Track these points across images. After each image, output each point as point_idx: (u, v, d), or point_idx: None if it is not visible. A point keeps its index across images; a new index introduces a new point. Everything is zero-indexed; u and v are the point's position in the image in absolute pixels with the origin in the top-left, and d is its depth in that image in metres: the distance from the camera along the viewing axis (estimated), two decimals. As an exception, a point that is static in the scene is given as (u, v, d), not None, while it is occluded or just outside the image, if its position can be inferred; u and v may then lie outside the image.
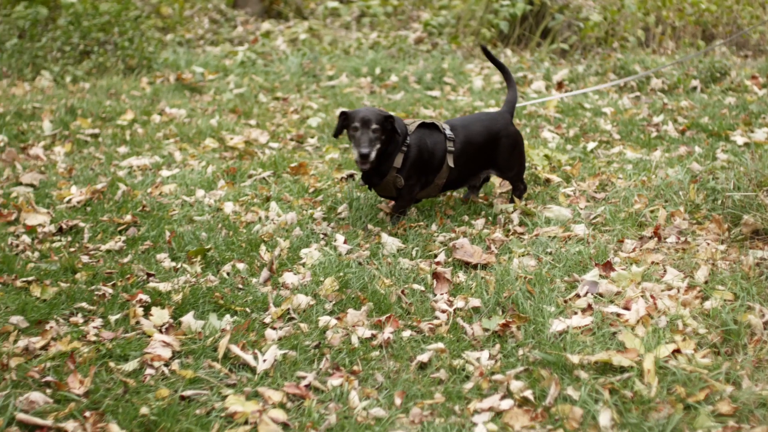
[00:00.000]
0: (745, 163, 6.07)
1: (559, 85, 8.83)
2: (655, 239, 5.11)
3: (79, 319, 4.08)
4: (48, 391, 3.47)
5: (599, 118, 7.85)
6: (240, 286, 4.51)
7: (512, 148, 5.59)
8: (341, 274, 4.58)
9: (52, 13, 9.65)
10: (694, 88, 8.91)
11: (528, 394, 3.50)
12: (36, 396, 3.39)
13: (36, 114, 7.39)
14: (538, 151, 6.55)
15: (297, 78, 8.82)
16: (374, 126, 5.17)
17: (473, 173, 5.57)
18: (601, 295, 4.39)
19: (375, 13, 10.66)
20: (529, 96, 8.49)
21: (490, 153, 5.52)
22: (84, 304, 4.22)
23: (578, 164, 6.37)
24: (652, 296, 4.30)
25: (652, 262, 4.78)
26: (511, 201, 5.72)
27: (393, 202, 5.52)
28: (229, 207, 5.57)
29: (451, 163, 5.32)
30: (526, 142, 6.99)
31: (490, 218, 5.50)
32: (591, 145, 7.01)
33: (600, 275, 4.58)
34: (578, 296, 4.37)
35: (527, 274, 4.57)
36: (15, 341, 3.84)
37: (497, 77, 9.00)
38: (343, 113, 5.28)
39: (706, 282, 4.48)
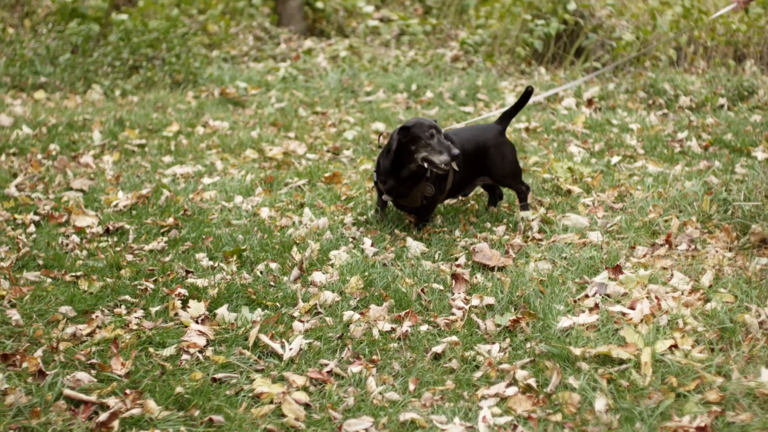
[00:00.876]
0: (757, 175, 6.35)
1: (589, 102, 9.11)
2: (666, 246, 5.39)
3: (122, 310, 4.45)
4: (92, 371, 3.83)
5: (626, 134, 8.10)
6: (272, 283, 4.85)
7: (502, 157, 5.92)
8: (366, 273, 4.90)
9: (104, 30, 10.08)
10: (722, 106, 9.14)
11: (531, 382, 3.80)
12: (82, 375, 3.75)
13: (87, 125, 7.79)
14: (562, 164, 6.84)
15: (336, 93, 9.16)
16: (442, 131, 5.48)
17: (469, 180, 5.88)
18: (608, 295, 4.68)
19: (414, 32, 10.99)
20: (560, 113, 8.78)
21: (482, 161, 5.83)
22: (127, 297, 4.59)
23: (599, 176, 6.66)
24: (656, 297, 4.59)
25: (662, 267, 5.07)
26: (524, 207, 6.03)
27: (412, 216, 5.82)
28: (265, 212, 5.92)
29: (455, 167, 5.64)
30: (551, 156, 7.29)
31: (511, 225, 5.81)
32: (615, 159, 7.28)
33: (609, 278, 4.88)
34: (587, 296, 4.67)
35: (541, 276, 4.88)
36: (63, 328, 4.21)
37: (529, 94, 9.30)
38: (404, 129, 5.46)
39: (710, 286, 4.75)
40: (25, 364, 3.82)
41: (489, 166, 5.87)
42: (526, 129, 8.17)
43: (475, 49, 10.49)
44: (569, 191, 6.45)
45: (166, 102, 8.64)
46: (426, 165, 5.43)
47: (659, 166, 7.09)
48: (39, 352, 3.93)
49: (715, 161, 7.14)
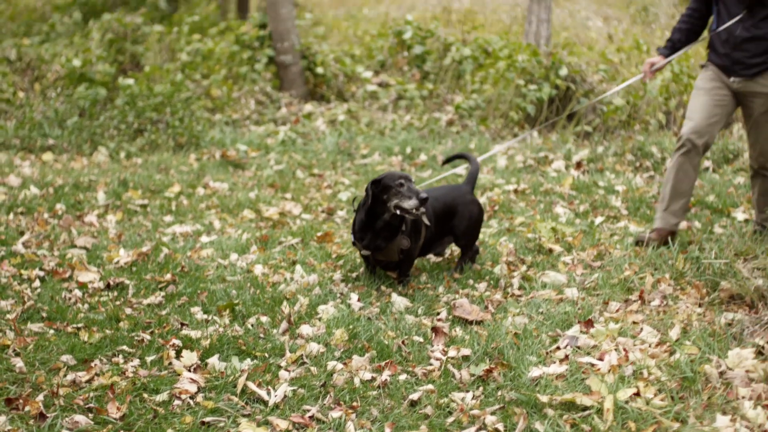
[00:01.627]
0: (731, 235, 6.66)
1: (578, 165, 9.42)
2: (639, 302, 5.68)
3: (119, 359, 4.74)
4: (90, 415, 4.11)
5: (611, 195, 8.40)
6: (261, 335, 5.14)
7: (469, 216, 6.26)
8: (351, 327, 5.19)
9: (111, 94, 10.46)
10: (707, 169, 9.44)
11: (500, 426, 4.06)
12: (80, 418, 4.03)
13: (92, 186, 8.12)
14: (546, 224, 7.14)
15: (333, 156, 9.49)
16: (413, 180, 5.81)
17: (440, 237, 6.20)
18: (579, 347, 4.96)
19: (411, 96, 11.35)
20: (549, 176, 9.09)
21: (450, 220, 6.16)
22: (125, 347, 4.88)
23: (580, 235, 6.96)
24: (624, 349, 4.87)
25: (633, 322, 5.35)
26: (459, 267, 6.37)
27: (394, 273, 6.12)
28: (258, 269, 6.22)
29: (427, 222, 5.95)
30: (537, 216, 7.60)
31: (492, 282, 6.10)
32: (598, 220, 7.57)
33: (581, 331, 5.17)
34: (558, 348, 4.95)
35: (516, 329, 5.17)
36: (64, 375, 4.50)
37: (520, 157, 9.61)
38: (375, 181, 5.79)
39: (677, 339, 5.03)
40: (27, 408, 4.10)
41: (455, 225, 6.19)
42: (515, 191, 8.46)
43: (470, 113, 10.84)
44: (551, 250, 6.74)
45: (169, 164, 8.98)
46: (398, 212, 5.70)
47: (641, 226, 7.38)
48: (40, 397, 4.22)
49: (695, 221, 7.43)
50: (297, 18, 12.55)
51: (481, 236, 7.09)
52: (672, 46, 6.85)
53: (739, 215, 7.55)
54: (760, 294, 5.60)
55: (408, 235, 5.89)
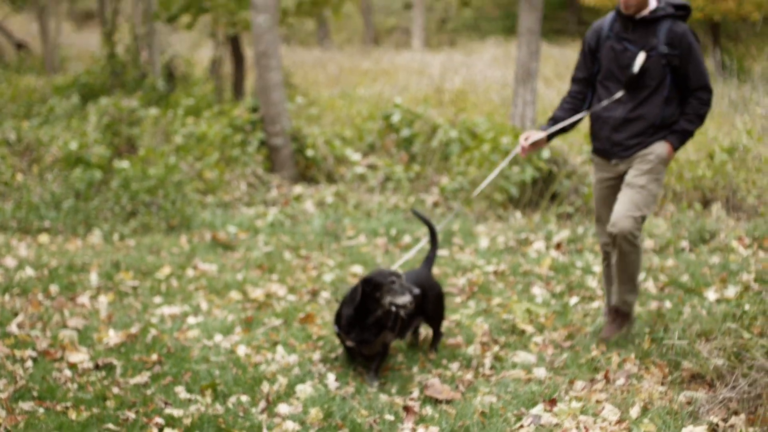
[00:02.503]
0: (697, 315, 6.94)
1: (558, 246, 9.71)
2: (604, 381, 5.96)
3: (105, 437, 5.01)
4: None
5: (588, 275, 8.68)
6: (241, 414, 5.41)
7: (436, 300, 6.57)
8: (326, 406, 5.46)
9: (106, 176, 10.80)
10: (683, 249, 9.73)
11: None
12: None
13: (85, 267, 8.41)
14: (521, 305, 7.43)
15: (320, 237, 9.79)
16: (403, 278, 6.08)
17: (410, 322, 6.48)
18: (542, 425, 5.23)
19: (399, 178, 11.68)
20: (530, 256, 9.37)
21: (421, 304, 6.45)
22: (111, 425, 5.15)
23: (552, 316, 7.24)
24: (585, 427, 5.13)
25: (596, 401, 5.62)
26: (434, 347, 6.71)
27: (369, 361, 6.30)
28: (241, 350, 6.50)
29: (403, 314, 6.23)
30: (514, 297, 7.89)
31: (465, 362, 6.37)
32: (573, 300, 7.86)
33: (545, 409, 5.44)
34: (522, 426, 5.21)
35: (483, 408, 5.43)
36: (52, 453, 4.76)
37: (502, 238, 9.90)
38: (367, 280, 6.05)
39: (637, 417, 5.30)
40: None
41: (425, 308, 6.48)
42: (495, 272, 8.74)
43: (455, 195, 11.16)
44: (523, 331, 7.02)
45: (161, 245, 9.28)
46: (394, 308, 5.95)
47: (614, 307, 7.66)
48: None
49: (666, 302, 7.71)
50: (288, 101, 12.92)
51: (458, 317, 7.37)
52: (554, 122, 6.79)
53: (711, 295, 7.82)
54: (720, 373, 5.87)
55: (392, 329, 6.13)
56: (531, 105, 12.85)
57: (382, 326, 6.09)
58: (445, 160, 12.29)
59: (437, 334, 6.68)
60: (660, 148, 6.45)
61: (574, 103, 6.75)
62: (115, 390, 5.76)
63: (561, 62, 27.74)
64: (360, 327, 6.08)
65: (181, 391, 5.74)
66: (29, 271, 8.16)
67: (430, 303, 6.55)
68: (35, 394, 5.62)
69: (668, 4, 6.39)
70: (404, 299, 5.92)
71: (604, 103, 6.49)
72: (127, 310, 7.46)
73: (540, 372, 6.13)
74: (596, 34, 6.60)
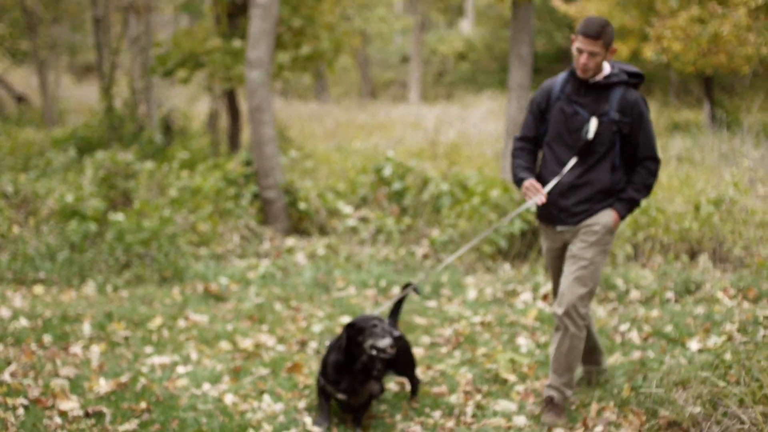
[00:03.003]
0: (676, 365, 7.09)
1: (545, 297, 9.87)
2: (583, 428, 6.11)
3: (92, 483, 5.14)
4: None
5: (574, 326, 8.81)
6: (226, 460, 5.55)
7: (405, 351, 6.67)
8: (309, 453, 5.62)
9: (101, 229, 10.98)
10: (669, 300, 9.88)
11: None
12: None
13: (78, 318, 8.57)
14: (505, 355, 7.58)
15: (311, 289, 9.96)
16: (386, 322, 6.21)
17: (381, 376, 6.52)
18: (521, 472, 5.38)
19: (390, 231, 11.86)
20: (517, 308, 9.53)
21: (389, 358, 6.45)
22: (97, 472, 5.29)
23: (535, 366, 7.39)
24: (561, 473, 5.28)
25: (575, 448, 5.78)
26: (414, 395, 6.85)
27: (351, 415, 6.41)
28: (229, 398, 6.65)
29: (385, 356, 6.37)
30: (499, 347, 8.04)
31: (447, 410, 6.52)
32: (557, 351, 8.00)
33: (523, 455, 5.59)
34: (501, 471, 5.37)
35: (463, 454, 5.59)
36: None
37: (490, 289, 10.06)
38: (350, 324, 6.19)
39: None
40: None
41: (397, 360, 6.60)
42: (481, 323, 8.90)
43: (444, 247, 11.33)
44: (506, 380, 7.17)
45: (154, 296, 9.44)
46: (374, 352, 6.06)
47: (597, 356, 7.81)
48: None
49: (649, 351, 7.86)
50: (282, 155, 13.13)
51: (443, 366, 7.52)
52: (532, 171, 6.58)
53: (694, 345, 7.97)
54: (695, 421, 6.03)
55: (377, 380, 6.27)
56: (521, 159, 13.05)
57: (368, 375, 6.19)
58: (436, 213, 12.47)
59: (414, 382, 6.82)
60: (607, 217, 6.34)
61: (530, 160, 6.61)
62: (104, 437, 5.90)
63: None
64: (347, 375, 6.18)
65: (168, 439, 5.89)
66: (23, 322, 8.31)
67: (399, 356, 6.59)
68: (26, 441, 5.77)
69: (621, 70, 6.37)
70: (385, 342, 6.03)
71: (565, 170, 6.32)
72: (119, 359, 7.60)
73: (520, 420, 6.29)
74: (546, 94, 6.49)
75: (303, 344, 8.21)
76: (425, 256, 11.31)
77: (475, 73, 34.51)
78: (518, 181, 6.55)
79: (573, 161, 6.31)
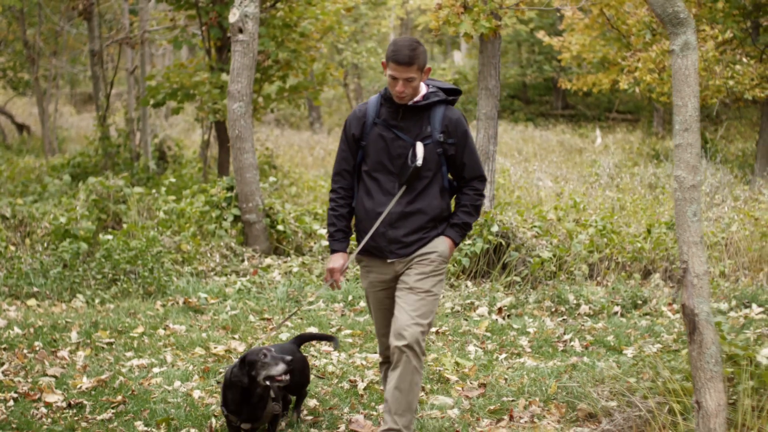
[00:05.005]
0: (607, 367, 7.92)
1: (500, 311, 10.67)
2: (509, 419, 6.93)
3: (71, 458, 5.96)
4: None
5: (522, 336, 9.63)
6: (189, 442, 6.37)
7: (301, 372, 6.81)
8: (263, 436, 6.42)
9: (92, 248, 11.82)
10: (616, 313, 10.69)
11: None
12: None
13: (67, 327, 9.37)
14: (451, 359, 8.40)
15: (283, 303, 10.77)
16: (274, 350, 6.20)
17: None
18: (444, 452, 6.20)
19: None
20: (472, 320, 10.32)
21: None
22: (76, 450, 6.12)
23: (475, 368, 8.22)
24: (480, 453, 6.10)
25: (497, 434, 6.60)
26: (297, 409, 7.01)
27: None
28: (196, 393, 7.46)
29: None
30: (448, 353, 8.84)
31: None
32: (502, 356, 8.82)
33: (448, 440, 6.42)
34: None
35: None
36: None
37: (449, 303, 10.86)
38: (241, 360, 6.13)
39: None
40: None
41: (295, 380, 6.61)
42: (436, 332, 9.70)
43: (410, 264, 12.13)
44: (448, 380, 7.98)
45: (138, 309, 10.24)
46: (269, 383, 6.04)
47: (537, 361, 8.62)
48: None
49: (585, 358, 8.67)
50: (261, 182, 13.93)
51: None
52: (346, 236, 6.22)
53: (629, 352, 8.76)
54: (607, 412, 6.84)
55: (276, 400, 6.34)
56: (489, 184, 13.86)
57: (266, 400, 6.24)
58: (408, 235, 13.26)
59: (302, 396, 7.05)
60: (442, 246, 6.10)
61: (349, 203, 6.22)
62: (84, 424, 6.72)
63: (542, 144, 28.97)
64: (247, 406, 6.18)
65: (139, 425, 6.71)
66: (17, 330, 9.11)
67: (297, 374, 6.64)
68: (14, 426, 6.60)
69: (438, 88, 6.10)
70: (278, 369, 6.00)
71: (393, 202, 5.98)
72: (101, 362, 8.41)
73: (454, 412, 7.10)
74: (360, 121, 6.11)
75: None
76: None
77: (465, 104, 35.38)
78: (331, 250, 6.27)
79: (401, 191, 5.99)
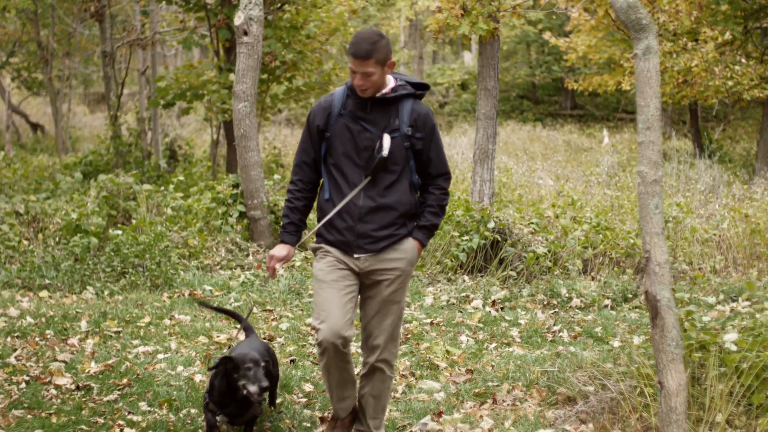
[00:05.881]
0: (576, 354, 8.33)
1: (494, 303, 11.07)
2: (492, 402, 7.35)
3: (78, 434, 6.41)
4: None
5: (513, 327, 10.02)
6: (188, 421, 6.80)
7: (271, 387, 6.77)
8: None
9: (102, 243, 12.27)
10: (606, 306, 11.07)
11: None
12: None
13: (77, 316, 9.81)
14: (441, 347, 8.82)
15: (284, 295, 11.19)
16: (263, 363, 6.09)
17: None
18: (429, 431, 6.62)
19: (364, 246, 13.08)
20: (467, 312, 10.73)
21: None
22: (83, 426, 6.56)
23: (464, 355, 8.63)
24: (461, 432, 6.52)
25: (480, 416, 7.00)
26: (272, 402, 7.05)
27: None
28: (198, 377, 7.89)
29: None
30: (441, 342, 9.25)
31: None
32: (492, 346, 9.23)
33: (432, 419, 6.82)
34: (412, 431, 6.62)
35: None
36: (35, 442, 6.17)
37: (445, 296, 11.26)
38: (227, 358, 6.15)
39: (509, 427, 6.69)
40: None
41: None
42: (431, 323, 10.10)
43: (410, 261, 12.56)
44: (438, 366, 8.39)
45: (145, 300, 10.68)
46: (245, 392, 6.06)
47: (526, 350, 9.03)
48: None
49: (571, 347, 9.07)
50: (266, 179, 14.31)
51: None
52: (298, 230, 6.18)
53: (616, 343, 9.14)
54: (584, 395, 7.24)
55: (260, 404, 6.24)
56: (488, 182, 14.24)
57: (249, 401, 6.25)
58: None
59: (274, 396, 7.08)
60: (411, 251, 6.08)
61: (306, 197, 6.15)
62: (91, 404, 7.16)
63: (548, 144, 29.34)
64: (232, 402, 6.27)
65: (143, 405, 7.15)
66: (29, 319, 9.54)
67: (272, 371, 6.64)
68: (26, 405, 7.04)
69: (406, 81, 6.04)
70: (252, 389, 6.01)
71: (355, 191, 5.90)
72: (109, 349, 8.83)
73: (440, 395, 7.52)
74: (325, 112, 6.02)
75: (271, 339, 9.41)
76: (393, 269, 12.53)
77: (474, 103, 35.77)
78: (280, 240, 6.21)
79: (365, 181, 5.91)
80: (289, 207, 6.13)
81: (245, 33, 13.00)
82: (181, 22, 19.05)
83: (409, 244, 6.07)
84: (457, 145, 24.77)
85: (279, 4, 17.34)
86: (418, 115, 5.97)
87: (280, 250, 6.09)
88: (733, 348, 6.63)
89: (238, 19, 13.01)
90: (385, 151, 5.81)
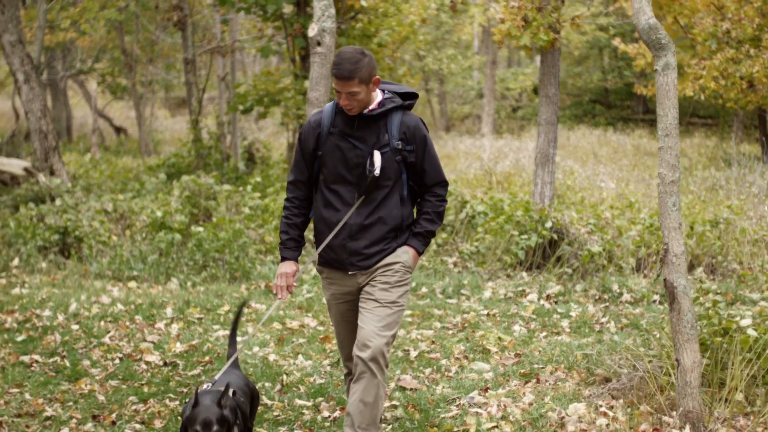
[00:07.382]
0: (618, 342, 9.05)
1: (548, 297, 11.79)
2: (536, 381, 8.13)
3: (167, 401, 7.33)
4: (143, 426, 6.68)
5: (565, 319, 10.74)
6: (263, 392, 7.69)
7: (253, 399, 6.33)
8: (323, 389, 7.70)
9: (184, 239, 13.25)
10: (655, 301, 11.73)
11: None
12: (137, 426, 6.61)
13: (163, 304, 10.76)
14: (495, 334, 9.60)
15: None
16: (215, 428, 5.34)
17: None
18: (475, 404, 7.43)
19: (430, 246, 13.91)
20: (523, 304, 11.47)
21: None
22: (171, 395, 7.51)
23: (513, 341, 9.40)
24: (504, 405, 7.31)
25: (522, 393, 7.79)
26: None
27: None
28: (272, 357, 8.78)
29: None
30: (495, 330, 10.02)
31: (437, 368, 8.55)
32: (542, 334, 9.98)
33: (479, 393, 7.64)
34: (459, 405, 7.43)
35: (435, 395, 7.63)
36: (130, 406, 7.09)
37: (503, 290, 12.02)
38: (184, 413, 5.50)
39: (543, 398, 7.48)
40: (105, 422, 6.69)
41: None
42: (487, 314, 10.87)
43: (470, 257, 13.36)
44: (489, 350, 9.18)
45: (224, 291, 11.60)
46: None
47: (575, 339, 9.77)
48: (113, 416, 6.81)
49: (616, 336, 9.78)
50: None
51: (444, 342, 9.55)
52: (298, 246, 6.13)
53: (658, 334, 9.82)
54: (618, 375, 7.99)
55: (239, 426, 5.78)
56: (549, 185, 14.94)
57: (230, 425, 5.57)
58: (472, 230, 14.47)
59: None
60: (405, 256, 5.98)
61: (302, 213, 6.10)
62: (177, 378, 8.10)
63: (618, 147, 29.86)
64: None
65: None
66: (120, 306, 10.52)
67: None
68: (120, 377, 8.00)
69: (393, 93, 5.93)
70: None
71: (350, 213, 5.84)
72: (192, 332, 9.76)
73: (488, 375, 8.32)
74: (315, 131, 5.96)
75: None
76: (454, 264, 13.34)
77: (545, 108, 36.26)
78: (282, 257, 6.12)
79: (359, 202, 5.86)
80: (287, 223, 6.06)
81: (318, 44, 13.86)
82: (259, 30, 20.00)
83: (403, 250, 5.99)
84: (526, 149, 25.43)
85: (352, 14, 18.21)
86: (407, 127, 5.88)
87: (289, 266, 6.03)
88: (752, 333, 7.32)
89: (312, 31, 13.87)
90: (377, 171, 5.77)
